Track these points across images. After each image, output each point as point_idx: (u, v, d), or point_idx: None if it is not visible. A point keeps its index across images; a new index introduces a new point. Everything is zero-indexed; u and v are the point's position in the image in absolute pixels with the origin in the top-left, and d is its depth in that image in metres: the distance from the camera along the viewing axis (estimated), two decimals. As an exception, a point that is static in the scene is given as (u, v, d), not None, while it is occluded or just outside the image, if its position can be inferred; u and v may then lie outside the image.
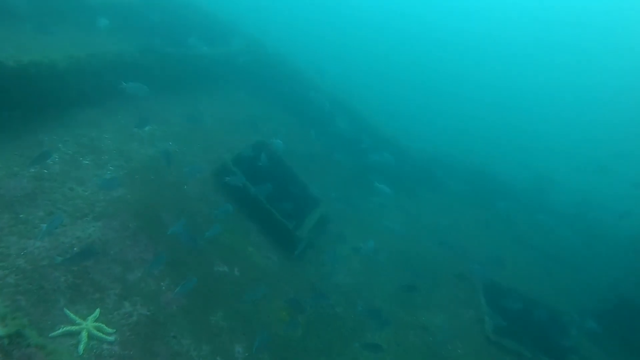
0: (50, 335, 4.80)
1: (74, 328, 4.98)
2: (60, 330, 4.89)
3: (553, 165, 22.16)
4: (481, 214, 14.93)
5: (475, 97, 35.96)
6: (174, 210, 7.56)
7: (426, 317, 9.22)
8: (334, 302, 8.78)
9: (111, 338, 5.25)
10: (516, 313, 10.22)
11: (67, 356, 4.42)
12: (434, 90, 34.79)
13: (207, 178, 8.93)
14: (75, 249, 5.78)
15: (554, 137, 32.49)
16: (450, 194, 15.42)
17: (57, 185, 6.52)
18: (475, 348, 8.69)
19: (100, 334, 5.14)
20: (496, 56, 45.25)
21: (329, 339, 7.94)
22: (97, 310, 5.35)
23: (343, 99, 15.74)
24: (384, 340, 8.31)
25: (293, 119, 14.63)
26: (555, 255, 13.90)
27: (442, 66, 39.35)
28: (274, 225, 9.11)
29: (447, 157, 16.72)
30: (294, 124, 14.28)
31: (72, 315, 5.09)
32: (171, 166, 8.19)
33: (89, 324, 5.10)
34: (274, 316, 7.70)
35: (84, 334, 4.99)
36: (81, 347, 4.90)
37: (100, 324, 5.22)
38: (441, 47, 42.69)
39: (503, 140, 27.91)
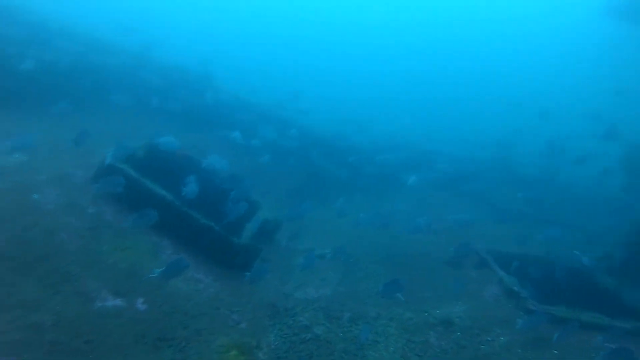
0: None
1: None
2: None
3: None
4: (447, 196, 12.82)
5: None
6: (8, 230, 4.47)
7: (441, 309, 6.48)
8: (310, 322, 5.84)
9: None
10: (539, 277, 7.94)
11: None
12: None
13: (79, 184, 5.91)
14: None
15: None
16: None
17: None
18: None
19: None
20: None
21: (316, 376, 4.94)
22: None
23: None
24: (398, 353, 5.44)
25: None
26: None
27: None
28: (201, 236, 6.17)
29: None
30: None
31: None
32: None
33: None
34: (218, 361, 4.62)
35: None
36: None
37: None
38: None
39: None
